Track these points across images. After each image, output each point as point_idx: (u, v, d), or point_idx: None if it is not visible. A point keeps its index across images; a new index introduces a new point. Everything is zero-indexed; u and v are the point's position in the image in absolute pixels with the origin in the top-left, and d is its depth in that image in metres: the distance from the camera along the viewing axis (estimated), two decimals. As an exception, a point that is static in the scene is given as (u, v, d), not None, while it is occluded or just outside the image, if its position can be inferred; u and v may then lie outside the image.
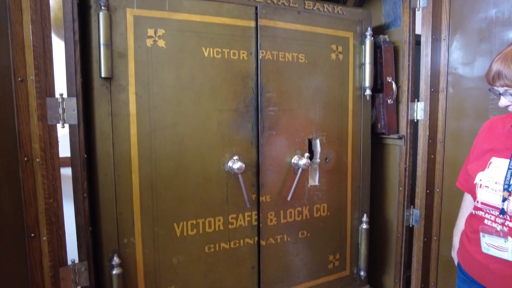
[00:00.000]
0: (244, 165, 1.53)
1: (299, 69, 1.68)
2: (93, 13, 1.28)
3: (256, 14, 1.56)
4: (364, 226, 1.91)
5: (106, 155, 1.34)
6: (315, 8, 1.70)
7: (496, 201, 1.08)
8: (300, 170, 1.66)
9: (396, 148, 1.95)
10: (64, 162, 1.27)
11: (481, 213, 1.15)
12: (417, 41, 1.84)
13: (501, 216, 1.07)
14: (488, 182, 1.11)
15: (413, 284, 1.92)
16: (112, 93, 1.33)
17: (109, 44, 1.29)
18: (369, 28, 1.81)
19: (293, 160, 1.70)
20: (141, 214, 1.41)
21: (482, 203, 1.13)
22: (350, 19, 1.79)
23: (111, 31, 1.30)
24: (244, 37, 1.55)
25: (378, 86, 1.91)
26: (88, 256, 1.34)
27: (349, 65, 1.81)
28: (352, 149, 1.86)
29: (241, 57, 1.55)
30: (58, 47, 1.29)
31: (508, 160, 1.09)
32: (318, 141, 1.77)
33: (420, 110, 1.82)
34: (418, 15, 1.81)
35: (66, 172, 1.30)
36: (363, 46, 1.82)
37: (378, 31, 1.98)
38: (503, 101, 1.08)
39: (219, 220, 1.58)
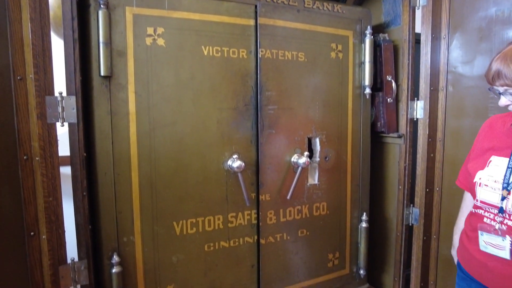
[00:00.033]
0: (243, 163, 1.53)
1: (298, 67, 1.67)
2: (92, 11, 1.28)
3: (256, 12, 1.56)
4: (364, 224, 1.91)
5: (105, 154, 1.34)
6: (314, 7, 1.69)
7: (495, 199, 1.08)
8: (299, 168, 1.66)
9: (395, 147, 1.95)
10: (64, 160, 1.27)
11: (480, 211, 1.15)
12: (417, 39, 1.84)
13: (500, 214, 1.07)
14: (488, 180, 1.11)
15: (413, 283, 1.92)
16: (112, 92, 1.33)
17: (109, 43, 1.29)
18: (368, 27, 1.80)
19: (292, 159, 1.70)
20: (141, 212, 1.41)
21: (481, 202, 1.13)
22: (350, 17, 1.79)
23: (110, 29, 1.29)
24: (244, 35, 1.55)
25: (377, 84, 1.91)
26: (87, 254, 1.34)
27: (349, 64, 1.80)
28: (351, 147, 1.86)
29: (240, 56, 1.55)
30: (57, 46, 1.28)
31: (508, 159, 1.09)
32: (317, 140, 1.77)
33: (419, 109, 1.82)
34: (418, 13, 1.80)
35: (65, 170, 1.30)
36: (362, 44, 1.82)
37: (378, 29, 1.98)
38: (503, 101, 1.08)
39: (218, 219, 1.58)
